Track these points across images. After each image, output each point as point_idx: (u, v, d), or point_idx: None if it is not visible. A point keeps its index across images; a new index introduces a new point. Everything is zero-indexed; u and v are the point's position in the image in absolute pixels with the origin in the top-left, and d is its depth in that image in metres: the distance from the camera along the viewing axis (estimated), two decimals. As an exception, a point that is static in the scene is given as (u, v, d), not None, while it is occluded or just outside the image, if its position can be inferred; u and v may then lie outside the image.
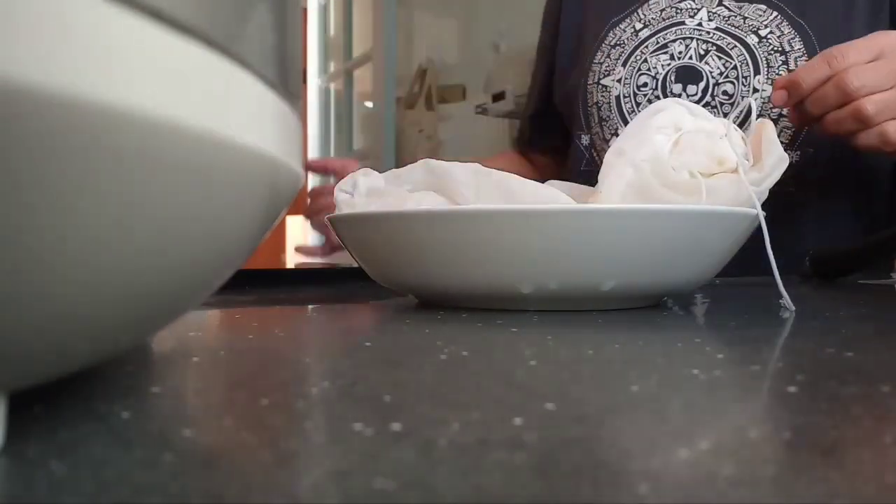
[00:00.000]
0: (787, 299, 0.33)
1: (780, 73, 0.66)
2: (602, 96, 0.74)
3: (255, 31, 0.11)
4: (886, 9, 0.67)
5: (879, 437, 0.12)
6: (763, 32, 0.67)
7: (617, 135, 0.74)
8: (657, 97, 0.69)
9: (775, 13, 0.67)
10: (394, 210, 0.33)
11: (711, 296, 0.43)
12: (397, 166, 0.47)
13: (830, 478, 0.10)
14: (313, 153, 2.51)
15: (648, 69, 0.71)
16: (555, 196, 0.37)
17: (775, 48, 0.66)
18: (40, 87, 0.07)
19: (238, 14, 0.11)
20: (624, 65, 0.72)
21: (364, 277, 0.42)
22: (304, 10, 2.49)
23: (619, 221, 0.30)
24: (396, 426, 0.13)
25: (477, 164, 0.39)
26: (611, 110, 0.74)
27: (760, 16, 0.68)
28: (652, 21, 0.72)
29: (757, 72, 0.67)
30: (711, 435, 0.12)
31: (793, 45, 0.66)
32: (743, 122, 0.40)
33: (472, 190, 0.37)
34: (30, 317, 0.09)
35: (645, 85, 0.71)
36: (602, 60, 0.75)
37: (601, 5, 0.78)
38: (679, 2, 0.72)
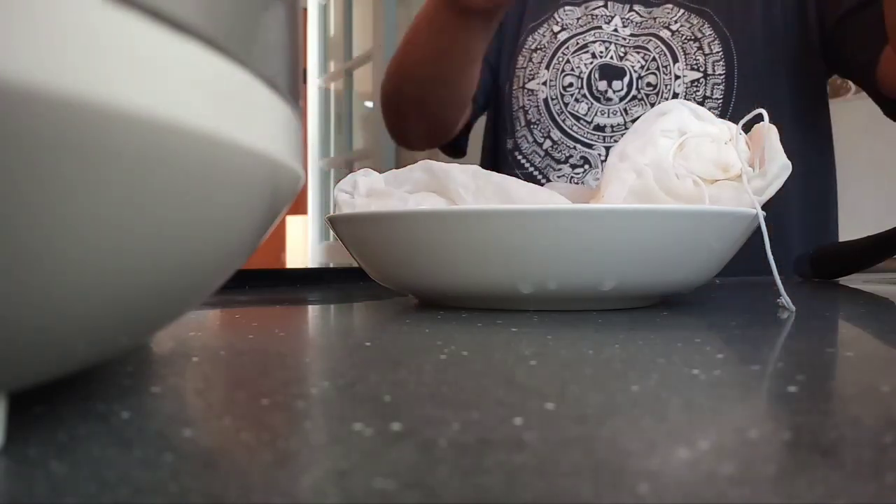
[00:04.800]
0: (786, 299, 0.33)
1: (697, 58, 0.69)
2: (529, 100, 0.75)
3: (255, 31, 0.11)
4: None
5: (879, 437, 0.12)
6: (674, 27, 0.71)
7: (550, 138, 0.74)
8: (584, 96, 0.72)
9: (681, 10, 0.71)
10: (394, 210, 0.33)
11: (711, 296, 0.43)
12: (397, 166, 0.47)
13: (830, 478, 0.10)
14: (313, 153, 2.51)
15: (572, 69, 0.72)
16: (553, 198, 0.37)
17: (688, 37, 0.70)
18: (40, 87, 0.07)
19: (238, 14, 0.11)
20: (548, 67, 0.74)
21: (364, 277, 0.42)
22: (304, 10, 2.49)
23: (618, 221, 0.30)
24: (396, 426, 0.13)
25: (476, 166, 0.39)
26: (539, 113, 0.75)
27: (668, 13, 0.72)
28: (569, 25, 0.75)
29: (675, 60, 0.70)
30: (711, 435, 0.12)
31: (703, 31, 0.70)
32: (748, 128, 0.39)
33: (471, 191, 0.37)
34: (30, 317, 0.09)
35: (571, 85, 0.73)
36: (525, 65, 0.76)
37: (517, 12, 0.80)
38: (594, 9, 0.74)
